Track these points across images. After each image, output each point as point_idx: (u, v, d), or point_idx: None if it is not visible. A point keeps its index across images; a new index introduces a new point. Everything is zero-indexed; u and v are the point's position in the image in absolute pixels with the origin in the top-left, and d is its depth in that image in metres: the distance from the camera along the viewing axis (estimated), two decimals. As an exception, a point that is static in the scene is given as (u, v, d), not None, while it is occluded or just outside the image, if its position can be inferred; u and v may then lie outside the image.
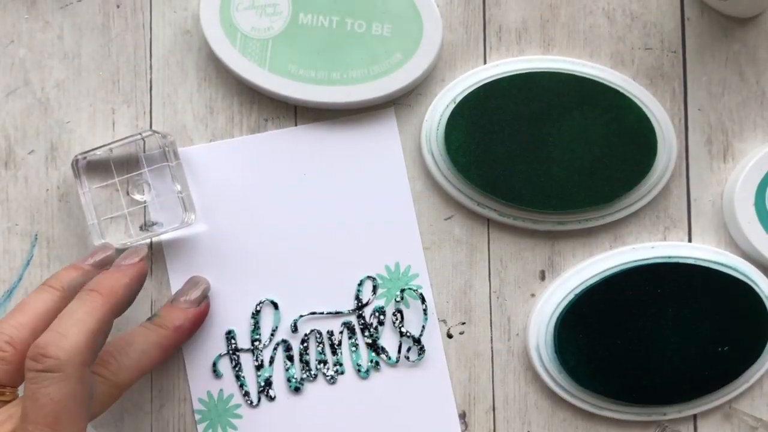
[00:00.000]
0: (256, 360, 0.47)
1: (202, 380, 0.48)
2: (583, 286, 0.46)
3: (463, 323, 0.48)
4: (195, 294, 0.46)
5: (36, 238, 0.48)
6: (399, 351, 0.48)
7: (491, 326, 0.48)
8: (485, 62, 0.49)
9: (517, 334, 0.48)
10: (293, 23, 0.46)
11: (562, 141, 0.46)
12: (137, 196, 0.48)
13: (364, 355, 0.48)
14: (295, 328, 0.48)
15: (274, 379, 0.48)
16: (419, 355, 0.48)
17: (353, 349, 0.48)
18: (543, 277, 0.48)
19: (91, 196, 0.47)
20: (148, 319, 0.45)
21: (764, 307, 0.46)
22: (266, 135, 0.48)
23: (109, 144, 0.47)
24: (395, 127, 0.48)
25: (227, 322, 0.48)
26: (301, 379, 0.47)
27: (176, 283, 0.47)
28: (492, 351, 0.48)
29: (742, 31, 0.49)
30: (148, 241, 0.48)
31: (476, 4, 0.49)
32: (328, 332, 0.48)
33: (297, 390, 0.47)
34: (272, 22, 0.46)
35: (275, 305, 0.48)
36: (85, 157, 0.47)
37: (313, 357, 0.48)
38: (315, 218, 0.48)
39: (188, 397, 0.48)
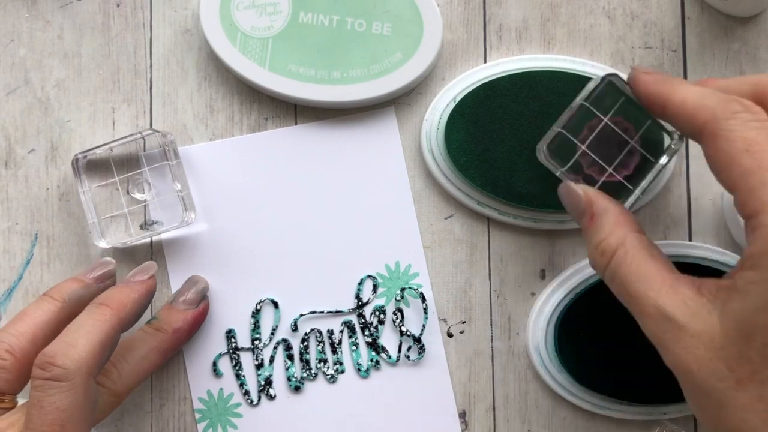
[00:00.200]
0: (257, 359, 0.47)
1: (202, 379, 0.48)
2: (584, 285, 0.46)
3: (464, 322, 0.48)
4: (194, 295, 0.46)
5: (36, 238, 0.48)
6: (399, 350, 0.48)
7: (491, 325, 0.48)
8: (485, 61, 0.49)
9: (518, 333, 0.48)
10: (293, 22, 0.46)
11: (563, 140, 0.46)
12: (137, 195, 0.48)
13: (365, 355, 0.48)
14: (295, 327, 0.48)
15: (274, 378, 0.48)
16: (419, 354, 0.47)
17: (353, 348, 0.48)
18: (543, 276, 0.48)
19: (91, 195, 0.47)
20: (147, 322, 0.45)
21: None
22: (266, 134, 0.48)
23: (109, 143, 0.47)
24: (395, 127, 0.48)
25: (227, 321, 0.48)
26: (302, 378, 0.47)
27: (176, 283, 0.47)
28: (492, 350, 0.48)
29: (742, 30, 0.49)
30: (148, 239, 0.48)
31: (476, 3, 0.49)
32: (328, 331, 0.48)
33: (297, 389, 0.47)
34: (272, 21, 0.46)
35: (275, 304, 0.48)
36: (85, 156, 0.47)
37: (313, 356, 0.48)
38: (315, 217, 0.48)
39: (188, 396, 0.48)
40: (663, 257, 0.36)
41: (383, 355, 0.48)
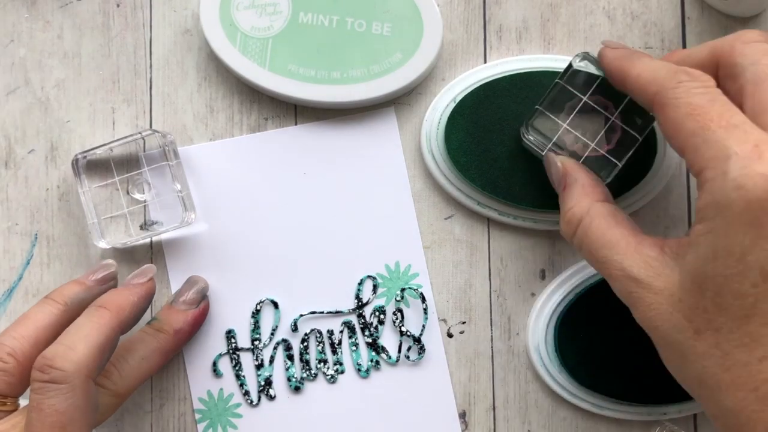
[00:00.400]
0: (256, 359, 0.47)
1: (202, 379, 0.48)
2: (584, 286, 0.46)
3: (464, 322, 0.48)
4: (193, 295, 0.46)
5: (36, 238, 0.48)
6: (399, 350, 0.48)
7: (491, 325, 0.48)
8: (485, 61, 0.49)
9: (518, 334, 0.48)
10: (293, 22, 0.46)
11: (563, 140, 0.46)
12: (137, 196, 0.48)
13: (365, 355, 0.48)
14: (295, 328, 0.48)
15: (274, 379, 0.48)
16: (419, 354, 0.47)
17: (353, 348, 0.48)
18: (543, 277, 0.48)
19: (91, 195, 0.47)
20: (148, 322, 0.45)
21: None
22: (266, 134, 0.48)
23: (109, 143, 0.47)
24: (395, 127, 0.48)
25: (227, 321, 0.48)
26: (302, 378, 0.47)
27: (176, 283, 0.47)
28: (492, 350, 0.48)
29: (742, 30, 0.49)
30: (148, 240, 0.48)
31: (476, 3, 0.49)
32: (328, 331, 0.48)
33: (297, 389, 0.47)
34: (272, 22, 0.46)
35: (275, 304, 0.48)
36: (85, 157, 0.47)
37: (313, 356, 0.48)
38: (315, 217, 0.48)
39: (188, 396, 0.48)
40: (628, 222, 0.38)
41: (383, 355, 0.48)
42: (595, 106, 0.42)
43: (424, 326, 0.48)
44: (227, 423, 0.47)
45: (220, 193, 0.48)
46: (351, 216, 0.48)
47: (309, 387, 0.48)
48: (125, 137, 0.46)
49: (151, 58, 0.49)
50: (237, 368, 0.47)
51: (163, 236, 0.48)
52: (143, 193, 0.48)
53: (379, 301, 0.48)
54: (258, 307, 0.48)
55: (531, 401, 0.48)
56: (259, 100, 0.48)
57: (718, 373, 0.33)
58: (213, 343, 0.48)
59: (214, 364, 0.48)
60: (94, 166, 0.48)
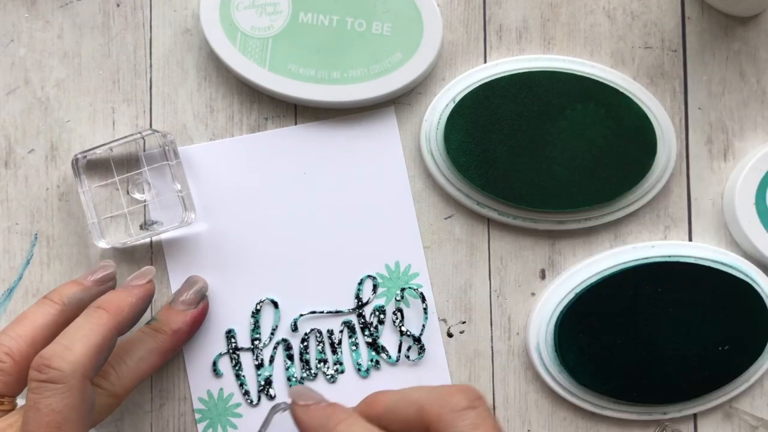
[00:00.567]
0: (256, 359, 0.47)
1: (202, 379, 0.48)
2: (584, 285, 0.46)
3: (464, 322, 0.48)
4: (193, 295, 0.46)
5: (36, 238, 0.48)
6: (399, 350, 0.48)
7: (491, 325, 0.48)
8: (485, 61, 0.49)
9: (518, 333, 0.48)
10: (293, 22, 0.46)
11: (562, 140, 0.46)
12: (137, 195, 0.48)
13: (365, 355, 0.48)
14: (295, 327, 0.48)
15: (274, 378, 0.48)
16: (419, 354, 0.47)
17: (353, 348, 0.48)
18: (543, 276, 0.48)
19: (91, 195, 0.47)
20: (147, 323, 0.45)
21: (765, 306, 0.46)
22: (266, 134, 0.48)
23: (109, 143, 0.47)
24: (395, 127, 0.48)
25: (227, 321, 0.48)
26: (301, 378, 0.47)
27: (176, 282, 0.47)
28: (492, 350, 0.48)
29: (742, 30, 0.49)
30: (148, 240, 0.48)
31: (476, 3, 0.49)
32: (328, 331, 0.48)
33: (297, 389, 0.47)
34: (272, 21, 0.46)
35: (275, 304, 0.48)
36: (85, 156, 0.47)
37: (313, 356, 0.48)
38: (315, 217, 0.48)
39: (188, 396, 0.48)
40: None
41: (383, 355, 0.48)
42: None
43: (424, 326, 0.48)
44: (227, 423, 0.47)
45: (220, 192, 0.48)
46: (351, 216, 0.48)
47: (309, 386, 0.47)
48: (125, 137, 0.46)
49: (151, 58, 0.49)
50: (237, 368, 0.47)
51: (163, 236, 0.48)
52: (143, 193, 0.48)
53: (379, 301, 0.48)
54: (258, 307, 0.47)
55: (531, 401, 0.48)
56: (259, 99, 0.48)
57: None
58: (213, 343, 0.48)
59: (214, 363, 0.48)
60: (94, 166, 0.48)
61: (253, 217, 0.48)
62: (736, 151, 0.49)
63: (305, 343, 0.48)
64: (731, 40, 0.49)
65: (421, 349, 0.47)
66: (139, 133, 0.46)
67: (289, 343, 0.48)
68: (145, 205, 0.48)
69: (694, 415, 0.48)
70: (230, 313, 0.48)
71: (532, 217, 0.47)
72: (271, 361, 0.48)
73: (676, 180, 0.48)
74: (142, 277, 0.44)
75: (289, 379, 0.47)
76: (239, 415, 0.47)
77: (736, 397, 0.48)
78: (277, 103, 0.48)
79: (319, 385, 0.47)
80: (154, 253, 0.48)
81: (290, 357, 0.48)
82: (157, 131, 0.47)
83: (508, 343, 0.48)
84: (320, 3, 0.46)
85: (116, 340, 0.40)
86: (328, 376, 0.47)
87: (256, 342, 0.48)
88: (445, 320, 0.48)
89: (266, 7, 0.46)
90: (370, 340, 0.48)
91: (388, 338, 0.48)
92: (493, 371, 0.48)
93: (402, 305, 0.48)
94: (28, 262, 0.48)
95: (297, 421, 0.39)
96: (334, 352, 0.48)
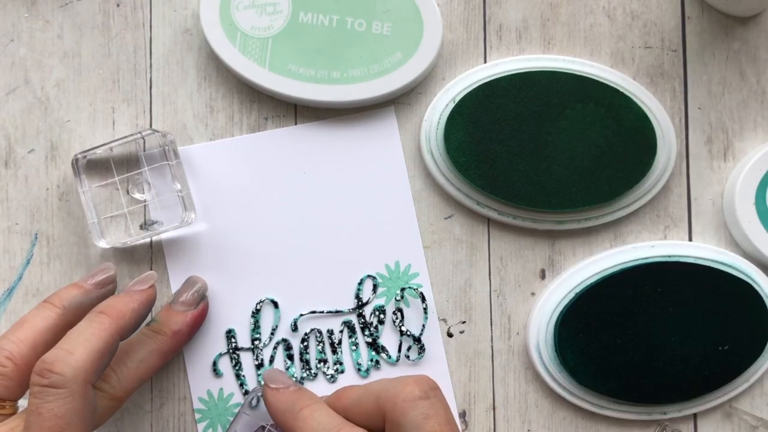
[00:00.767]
0: (257, 359, 0.47)
1: (203, 379, 0.48)
2: (584, 285, 0.46)
3: (464, 322, 0.48)
4: (192, 296, 0.46)
5: (36, 237, 0.48)
6: (399, 350, 0.48)
7: (491, 325, 0.48)
8: (485, 61, 0.49)
9: (518, 333, 0.48)
10: (293, 22, 0.46)
11: (562, 140, 0.46)
12: (137, 195, 0.48)
13: (365, 354, 0.48)
14: (295, 327, 0.48)
15: (274, 378, 0.48)
16: (419, 354, 0.47)
17: (353, 348, 0.48)
18: (543, 276, 0.48)
19: (91, 195, 0.47)
20: (147, 324, 0.45)
21: (764, 306, 0.46)
22: (266, 134, 0.48)
23: (109, 143, 0.47)
24: (395, 126, 0.48)
25: (227, 321, 0.48)
26: (302, 378, 0.47)
27: (176, 282, 0.47)
28: (492, 350, 0.48)
29: (742, 29, 0.49)
30: (148, 240, 0.48)
31: (476, 3, 0.49)
32: (328, 331, 0.48)
33: (297, 389, 0.47)
34: (272, 21, 0.46)
35: (275, 304, 0.48)
36: (85, 156, 0.47)
37: (313, 356, 0.48)
38: (315, 217, 0.48)
39: (188, 396, 0.48)
40: None
41: (383, 355, 0.48)
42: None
43: (424, 326, 0.48)
44: (227, 423, 0.47)
45: (220, 192, 0.48)
46: (351, 216, 0.48)
47: (309, 387, 0.48)
48: (125, 137, 0.46)
49: (151, 58, 0.49)
50: (237, 368, 0.47)
51: (163, 236, 0.48)
52: (143, 193, 0.48)
53: (379, 301, 0.48)
54: (258, 307, 0.48)
55: (531, 401, 0.48)
56: (259, 99, 0.48)
57: None
58: (213, 343, 0.48)
59: (214, 363, 0.48)
60: (94, 166, 0.48)
61: (253, 216, 0.48)
62: (736, 151, 0.49)
63: (305, 343, 0.48)
64: (731, 40, 0.49)
65: (421, 349, 0.47)
66: (139, 132, 0.46)
67: (289, 343, 0.48)
68: (145, 205, 0.48)
69: (694, 415, 0.48)
70: (230, 313, 0.48)
71: (532, 216, 0.47)
72: (271, 361, 0.48)
73: (676, 180, 0.48)
74: (144, 282, 0.44)
75: (289, 379, 0.47)
76: (239, 415, 0.47)
77: (736, 396, 0.48)
78: (277, 102, 0.48)
79: (320, 385, 0.47)
80: (154, 253, 0.48)
81: (290, 357, 0.48)
82: (157, 131, 0.47)
83: (508, 342, 0.48)
84: (320, 3, 0.46)
85: (118, 345, 0.41)
86: (328, 376, 0.47)
87: (256, 342, 0.48)
88: (445, 320, 0.48)
89: (266, 7, 0.46)
90: (370, 340, 0.48)
91: (388, 338, 0.48)
92: (493, 371, 0.48)
93: (402, 305, 0.48)
94: (28, 262, 0.48)
95: (266, 403, 0.42)
96: (334, 352, 0.48)
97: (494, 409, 0.48)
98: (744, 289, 0.46)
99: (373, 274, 0.48)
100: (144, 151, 0.48)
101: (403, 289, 0.48)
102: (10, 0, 0.49)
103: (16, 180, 0.48)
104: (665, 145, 0.47)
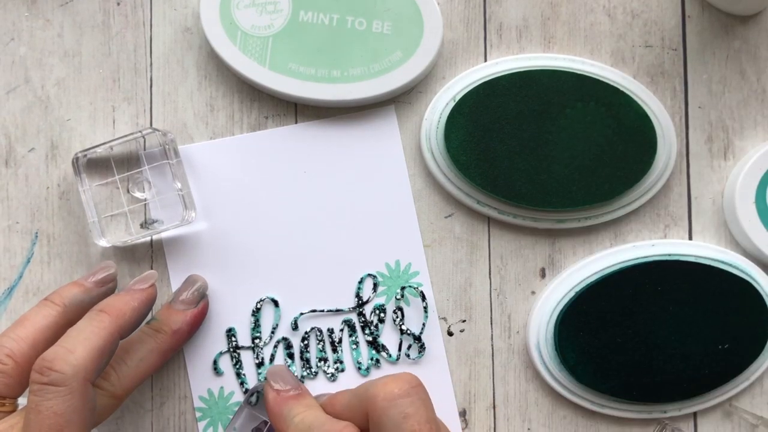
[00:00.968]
0: (257, 358, 0.48)
1: (203, 378, 0.48)
2: (584, 284, 0.46)
3: (464, 321, 0.48)
4: (192, 295, 0.46)
5: (36, 236, 0.48)
6: (399, 349, 0.48)
7: (492, 324, 0.48)
8: (486, 60, 0.49)
9: (518, 332, 0.48)
10: (294, 21, 0.46)
11: (563, 139, 0.46)
12: (138, 194, 0.48)
13: (365, 353, 0.48)
14: (295, 326, 0.48)
15: (274, 377, 0.48)
16: (420, 352, 0.48)
17: (354, 346, 0.48)
18: (543, 275, 0.48)
19: (92, 193, 0.47)
20: (147, 322, 0.45)
21: (765, 305, 0.46)
22: (266, 133, 0.48)
23: (109, 142, 0.47)
24: (395, 125, 0.48)
25: (228, 319, 0.48)
26: (302, 376, 0.47)
27: (176, 281, 0.47)
28: (492, 349, 0.48)
29: (742, 28, 0.49)
30: (148, 238, 0.48)
31: (477, 1, 0.49)
32: (328, 330, 0.48)
33: (297, 388, 0.47)
34: (273, 20, 0.46)
35: (276, 303, 0.48)
36: (85, 155, 0.47)
37: (313, 355, 0.48)
38: (315, 216, 0.48)
39: (189, 394, 0.48)
40: None
41: (383, 353, 0.48)
42: None
43: (424, 324, 0.48)
44: (228, 421, 0.47)
45: (220, 191, 0.48)
46: (351, 214, 0.48)
47: (309, 385, 0.48)
48: (125, 136, 0.46)
49: (151, 57, 0.49)
50: (237, 366, 0.48)
51: (164, 235, 0.48)
52: (143, 192, 0.48)
53: (379, 300, 0.48)
54: (258, 306, 0.48)
55: (531, 399, 0.48)
56: (259, 98, 0.48)
57: None
58: (213, 342, 0.48)
59: (215, 362, 0.48)
60: (94, 165, 0.48)
61: (254, 215, 0.48)
62: (736, 150, 0.49)
63: (305, 342, 0.48)
64: (731, 39, 0.49)
65: (422, 348, 0.48)
66: (140, 131, 0.46)
67: (289, 342, 0.48)
68: (145, 204, 0.48)
69: (694, 414, 0.48)
70: (231, 311, 0.48)
71: (532, 215, 0.47)
72: (272, 359, 0.48)
73: (676, 179, 0.49)
74: (145, 281, 0.44)
75: (289, 378, 0.47)
76: (240, 414, 0.48)
77: (736, 395, 0.48)
78: (278, 101, 0.48)
79: (320, 384, 0.48)
80: (154, 252, 0.48)
81: (291, 356, 0.48)
82: (158, 130, 0.47)
83: (508, 341, 0.48)
84: (320, 2, 0.46)
85: (118, 344, 0.41)
86: (329, 375, 0.47)
87: (257, 340, 0.48)
88: (445, 319, 0.48)
89: (266, 6, 0.46)
90: (370, 338, 0.48)
91: (388, 337, 0.48)
92: (493, 370, 0.48)
93: (402, 304, 0.48)
94: (28, 261, 0.48)
95: (265, 401, 0.43)
96: (334, 350, 0.48)
97: (494, 407, 0.48)
98: (744, 288, 0.46)
99: (374, 272, 0.48)
100: (144, 149, 0.48)
101: (403, 288, 0.48)
102: (11, -1, 0.49)
103: (17, 179, 0.48)
104: (665, 144, 0.47)
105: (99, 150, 0.47)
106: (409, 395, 0.38)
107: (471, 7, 0.49)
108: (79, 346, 0.38)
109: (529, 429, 0.48)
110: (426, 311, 0.48)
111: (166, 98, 0.48)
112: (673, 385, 0.46)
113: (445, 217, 0.48)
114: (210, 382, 0.48)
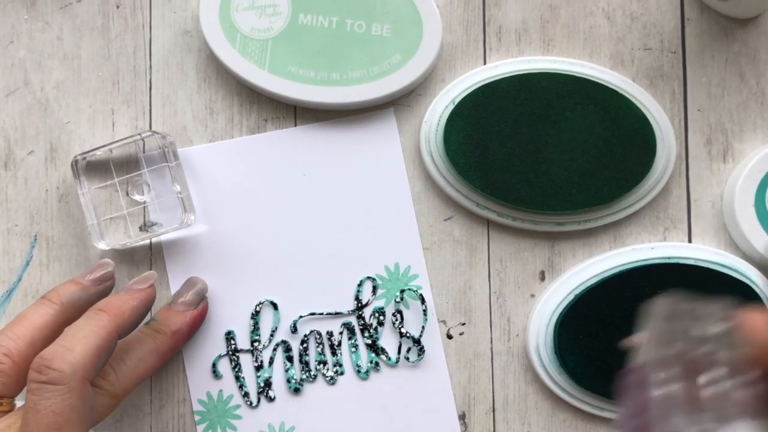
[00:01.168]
0: (256, 361, 0.47)
1: (202, 381, 0.48)
2: (583, 287, 0.46)
3: (463, 324, 0.48)
4: (192, 296, 0.46)
5: (35, 239, 0.48)
6: (399, 352, 0.47)
7: (491, 327, 0.48)
8: (485, 63, 0.49)
9: (517, 335, 0.48)
10: (293, 24, 0.46)
11: (562, 142, 0.46)
12: (137, 197, 0.48)
13: (364, 356, 0.48)
14: (294, 329, 0.48)
15: (273, 380, 0.48)
16: (419, 355, 0.47)
17: (353, 349, 0.48)
18: (543, 278, 0.48)
19: (91, 196, 0.47)
20: (146, 323, 0.45)
21: (764, 307, 0.46)
22: (266, 135, 0.48)
23: (108, 144, 0.47)
24: (395, 128, 0.48)
25: (227, 322, 0.48)
26: (301, 379, 0.47)
27: (176, 284, 0.47)
28: (492, 352, 0.48)
29: (742, 31, 0.49)
30: (148, 241, 0.48)
31: (476, 4, 0.49)
32: (327, 333, 0.48)
33: (297, 391, 0.47)
34: (272, 23, 0.46)
35: (275, 306, 0.48)
36: (84, 158, 0.47)
37: (312, 358, 0.48)
38: (315, 219, 0.48)
39: (188, 397, 0.48)
40: None
41: (383, 356, 0.47)
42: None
43: (423, 327, 0.48)
44: (227, 424, 0.47)
45: (219, 194, 0.48)
46: (350, 217, 0.48)
47: (308, 388, 0.48)
48: (125, 138, 0.46)
49: (150, 60, 0.49)
50: (236, 369, 0.47)
51: (163, 237, 0.48)
52: (143, 195, 0.48)
53: (378, 303, 0.48)
54: (257, 309, 0.47)
55: (531, 403, 0.48)
56: (258, 101, 0.48)
57: None
58: (212, 345, 0.48)
59: (214, 365, 0.47)
60: (93, 168, 0.48)
61: (253, 218, 0.48)
62: (735, 153, 0.49)
63: (305, 345, 0.48)
64: (731, 42, 0.49)
65: (421, 351, 0.47)
66: (139, 134, 0.46)
67: (288, 345, 0.48)
68: (144, 207, 0.48)
69: (694, 417, 0.48)
70: (230, 314, 0.48)
71: (531, 218, 0.47)
72: (271, 362, 0.48)
73: (675, 181, 0.48)
74: (144, 281, 0.44)
75: (288, 381, 0.47)
76: (239, 417, 0.47)
77: (736, 398, 0.48)
78: (277, 104, 0.48)
79: (319, 387, 0.47)
80: (153, 255, 0.48)
81: (290, 359, 0.48)
82: (157, 133, 0.47)
83: (508, 344, 0.48)
84: (320, 4, 0.46)
85: (116, 343, 0.41)
86: (328, 378, 0.47)
87: (256, 343, 0.48)
88: (444, 322, 0.48)
89: (266, 9, 0.46)
90: (369, 341, 0.48)
91: (387, 340, 0.48)
92: (492, 373, 0.48)
93: (401, 307, 0.48)
94: (27, 264, 0.48)
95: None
96: (333, 353, 0.48)
97: (494, 410, 0.48)
98: (743, 290, 0.46)
99: (373, 275, 0.48)
100: (143, 152, 0.48)
101: (402, 291, 0.48)
102: (10, 1, 0.49)
103: (16, 181, 0.48)
104: (665, 147, 0.47)
105: (98, 153, 0.47)
106: None
107: (470, 10, 0.49)
108: (78, 344, 0.38)
109: (528, 432, 0.48)
110: (425, 314, 0.47)
111: (166, 101, 0.48)
112: (672, 388, 0.46)
113: (445, 220, 0.48)
114: (209, 385, 0.48)
